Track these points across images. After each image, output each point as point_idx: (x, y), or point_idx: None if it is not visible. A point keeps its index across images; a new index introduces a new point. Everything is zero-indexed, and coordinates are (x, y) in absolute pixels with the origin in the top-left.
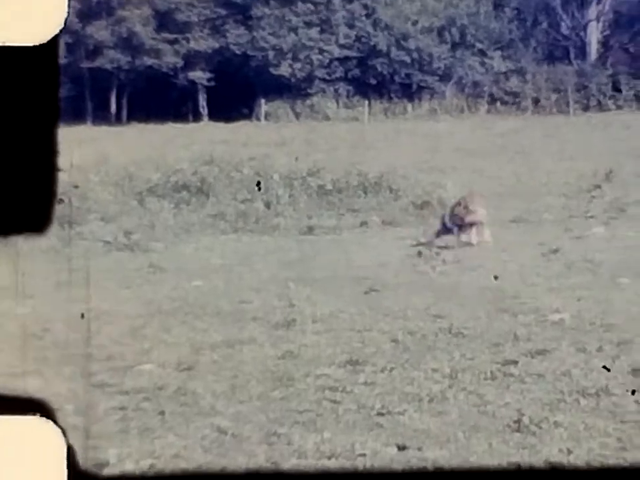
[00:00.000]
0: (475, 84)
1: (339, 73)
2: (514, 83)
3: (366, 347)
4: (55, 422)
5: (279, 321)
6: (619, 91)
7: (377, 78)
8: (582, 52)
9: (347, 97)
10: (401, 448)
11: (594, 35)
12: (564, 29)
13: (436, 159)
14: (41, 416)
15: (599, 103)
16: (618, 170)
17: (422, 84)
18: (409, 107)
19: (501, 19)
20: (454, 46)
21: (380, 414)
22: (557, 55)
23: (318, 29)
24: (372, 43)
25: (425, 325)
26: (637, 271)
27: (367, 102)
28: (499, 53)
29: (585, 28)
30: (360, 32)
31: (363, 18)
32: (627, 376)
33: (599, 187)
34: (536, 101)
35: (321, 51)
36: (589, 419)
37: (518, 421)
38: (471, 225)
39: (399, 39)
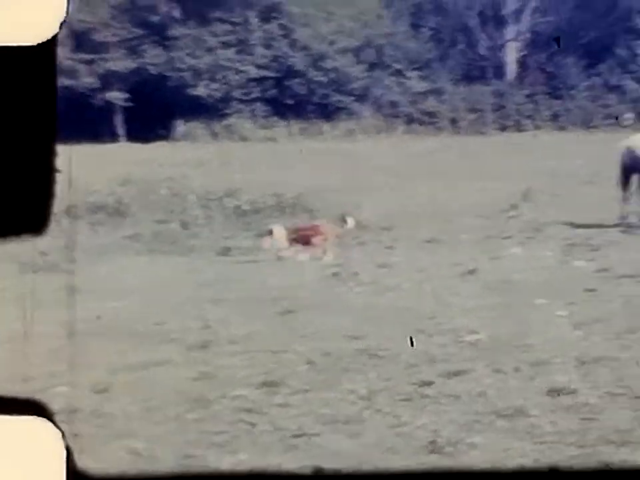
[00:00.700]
0: (392, 104)
1: (256, 93)
2: (431, 103)
3: (282, 368)
4: (54, 423)
5: (195, 342)
6: (537, 111)
7: (294, 98)
8: (500, 72)
9: (264, 117)
10: (317, 470)
11: (512, 55)
12: (482, 49)
13: (353, 179)
14: (40, 417)
15: (517, 123)
16: (535, 190)
17: (339, 104)
18: (326, 127)
19: (418, 39)
20: (371, 66)
21: (296, 435)
22: (474, 75)
23: (235, 49)
24: (289, 63)
25: (340, 346)
26: (554, 291)
27: (284, 122)
28: (416, 73)
29: (502, 48)
30: (277, 52)
31: (280, 38)
32: (544, 397)
33: (516, 207)
34: (453, 121)
35: (238, 72)
36: (505, 439)
37: (434, 442)
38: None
39: (316, 59)
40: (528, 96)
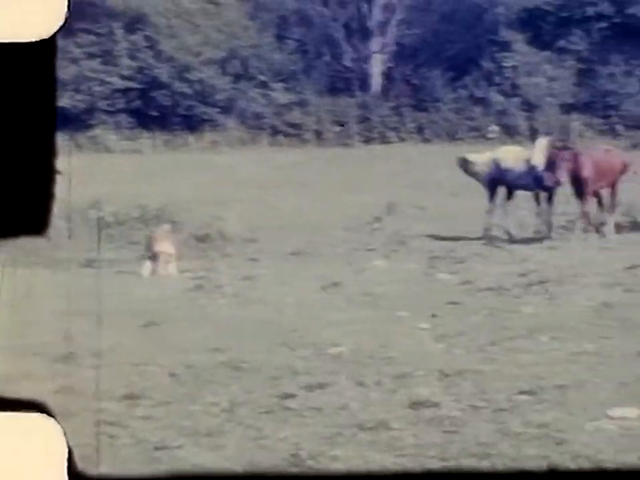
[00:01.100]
0: (257, 116)
1: (121, 104)
2: (296, 114)
3: (144, 381)
4: (56, 421)
5: (57, 355)
6: (402, 123)
7: (159, 110)
8: (365, 84)
9: (129, 128)
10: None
11: (377, 67)
12: (347, 61)
13: (217, 191)
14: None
15: (382, 135)
16: (399, 202)
17: (204, 116)
18: (191, 139)
19: (283, 51)
20: (236, 78)
21: (157, 448)
22: (340, 87)
23: (100, 60)
24: (154, 75)
25: (203, 358)
26: (416, 304)
27: (148, 134)
28: (281, 84)
29: (368, 60)
30: (142, 63)
31: (146, 49)
32: (406, 409)
33: (380, 219)
34: (318, 133)
35: (103, 83)
36: (367, 452)
37: (295, 455)
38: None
39: (181, 70)
40: (393, 108)
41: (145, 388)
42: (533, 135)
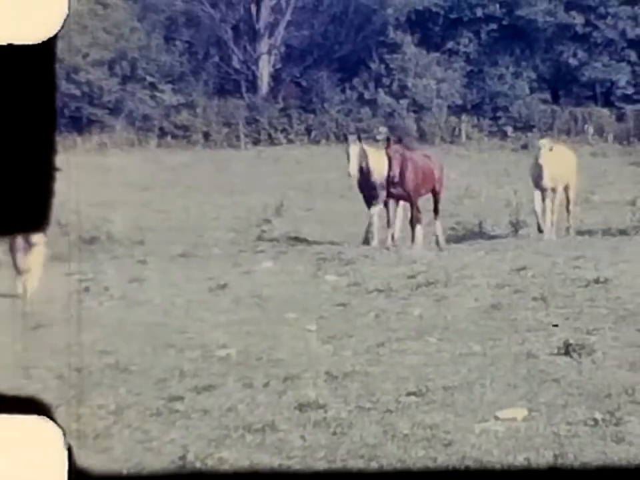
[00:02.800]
0: (145, 117)
1: None
2: (185, 116)
3: (32, 384)
4: (55, 422)
5: None
6: (290, 124)
7: None
8: (253, 85)
9: None
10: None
11: (265, 69)
12: (235, 63)
13: (105, 193)
14: (41, 416)
15: (270, 136)
16: (288, 204)
17: (92, 117)
18: (79, 140)
19: (172, 52)
20: (124, 79)
21: None
22: (228, 89)
23: None
24: None
25: (91, 360)
26: (305, 306)
27: None
28: (169, 86)
29: (256, 61)
30: None
31: None
32: (293, 411)
33: (269, 221)
34: (207, 135)
35: None
36: (254, 454)
37: (183, 457)
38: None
39: (69, 71)
40: (281, 110)
41: (33, 391)
42: (422, 136)
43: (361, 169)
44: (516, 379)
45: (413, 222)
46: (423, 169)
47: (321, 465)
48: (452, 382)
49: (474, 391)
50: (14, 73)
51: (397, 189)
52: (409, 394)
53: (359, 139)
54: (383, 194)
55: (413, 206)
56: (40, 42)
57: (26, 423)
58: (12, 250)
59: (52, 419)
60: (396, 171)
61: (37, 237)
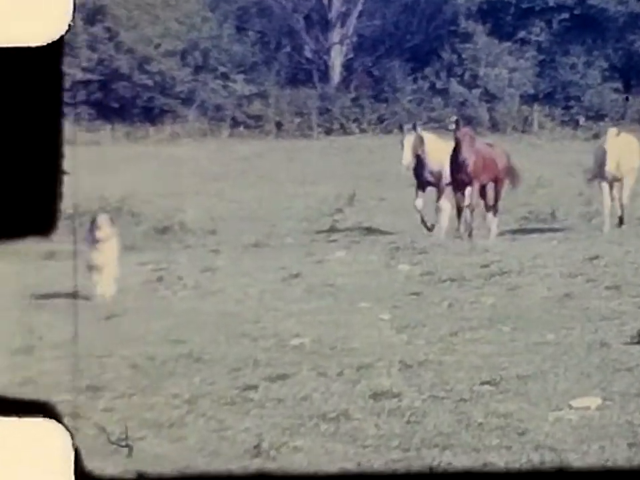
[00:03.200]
0: (218, 107)
1: (81, 96)
2: (257, 106)
3: (106, 373)
4: (63, 424)
5: (19, 347)
6: (362, 114)
7: (120, 101)
8: (325, 75)
9: (89, 120)
10: (140, 474)
11: (338, 59)
12: (308, 52)
13: (178, 183)
14: (48, 418)
15: (342, 126)
16: (360, 194)
17: (164, 107)
18: (151, 130)
19: (244, 42)
20: (197, 69)
21: (119, 440)
22: (300, 79)
23: None
24: (114, 66)
25: (164, 350)
26: (377, 295)
27: (109, 126)
28: (241, 76)
29: (328, 51)
30: (102, 55)
31: (106, 41)
32: (368, 400)
33: (341, 211)
34: (279, 125)
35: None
36: (328, 443)
37: (257, 446)
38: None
39: (142, 62)
40: (354, 99)
41: (106, 380)
42: (494, 125)
43: (417, 157)
44: (589, 367)
45: (473, 209)
46: (484, 156)
47: (395, 454)
48: (525, 371)
49: (547, 380)
50: (19, 75)
51: (460, 174)
52: (482, 383)
53: (414, 127)
54: (440, 182)
55: (475, 192)
56: (45, 44)
57: (34, 425)
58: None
59: (60, 422)
60: (466, 154)
61: (104, 232)
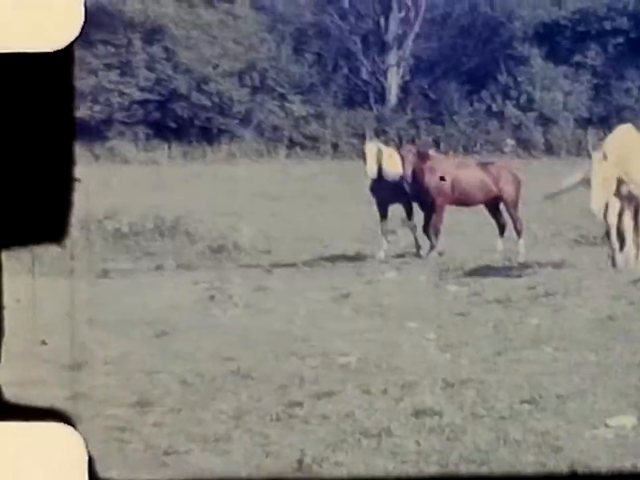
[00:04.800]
0: (275, 128)
1: (139, 115)
2: (313, 127)
3: (155, 389)
4: (76, 429)
5: (70, 362)
6: (418, 136)
7: (177, 121)
8: (382, 97)
9: (147, 139)
10: None
11: (394, 80)
12: (364, 74)
13: (233, 202)
14: (62, 424)
15: (398, 148)
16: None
17: (222, 127)
18: (209, 150)
19: (301, 64)
20: (254, 90)
21: (167, 453)
22: (357, 100)
23: (118, 71)
24: (172, 86)
25: (214, 367)
26: (425, 316)
27: (166, 145)
28: (299, 97)
29: (385, 73)
30: (160, 75)
31: (164, 61)
32: (409, 417)
33: (394, 232)
34: (335, 146)
35: (121, 94)
36: (369, 458)
37: (300, 461)
38: None
39: (200, 82)
40: (410, 121)
41: (156, 395)
42: (549, 149)
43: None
44: (627, 387)
45: (428, 230)
46: (467, 175)
47: (433, 469)
48: (565, 390)
49: (586, 399)
50: (31, 82)
51: (416, 192)
52: (522, 402)
53: (377, 135)
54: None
55: (435, 213)
56: (57, 50)
57: (49, 430)
58: None
59: (74, 427)
60: (408, 170)
61: None
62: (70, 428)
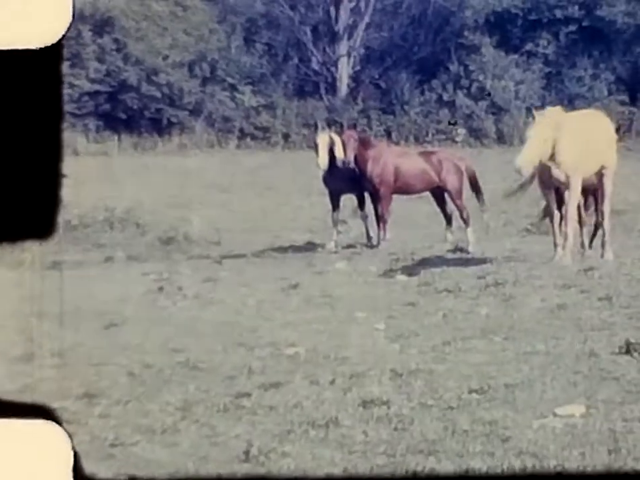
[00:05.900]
0: (225, 119)
1: (89, 107)
2: (264, 118)
3: (102, 381)
4: (62, 427)
5: (18, 355)
6: (369, 126)
7: (127, 113)
8: (333, 87)
9: (97, 131)
10: (132, 478)
11: (345, 71)
12: (315, 64)
13: (184, 194)
14: (48, 421)
15: None
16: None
17: (172, 119)
18: (159, 141)
19: (252, 54)
20: (204, 80)
21: (113, 445)
22: (307, 90)
23: (68, 63)
24: (122, 78)
25: (162, 358)
26: (375, 306)
27: (116, 137)
28: (249, 87)
29: (335, 63)
30: (110, 66)
31: (114, 52)
32: (357, 408)
33: (345, 222)
34: (286, 136)
35: (71, 85)
36: (316, 449)
37: (247, 452)
38: None
39: (150, 73)
40: (361, 111)
41: (103, 387)
42: (501, 138)
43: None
44: (576, 377)
45: (379, 219)
46: (408, 165)
47: (380, 460)
48: (514, 380)
49: (534, 389)
50: (19, 78)
51: (360, 179)
52: (471, 391)
53: (328, 126)
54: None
55: (381, 201)
56: (45, 46)
57: (34, 428)
58: None
59: (59, 424)
60: (350, 156)
61: None
62: (55, 425)
